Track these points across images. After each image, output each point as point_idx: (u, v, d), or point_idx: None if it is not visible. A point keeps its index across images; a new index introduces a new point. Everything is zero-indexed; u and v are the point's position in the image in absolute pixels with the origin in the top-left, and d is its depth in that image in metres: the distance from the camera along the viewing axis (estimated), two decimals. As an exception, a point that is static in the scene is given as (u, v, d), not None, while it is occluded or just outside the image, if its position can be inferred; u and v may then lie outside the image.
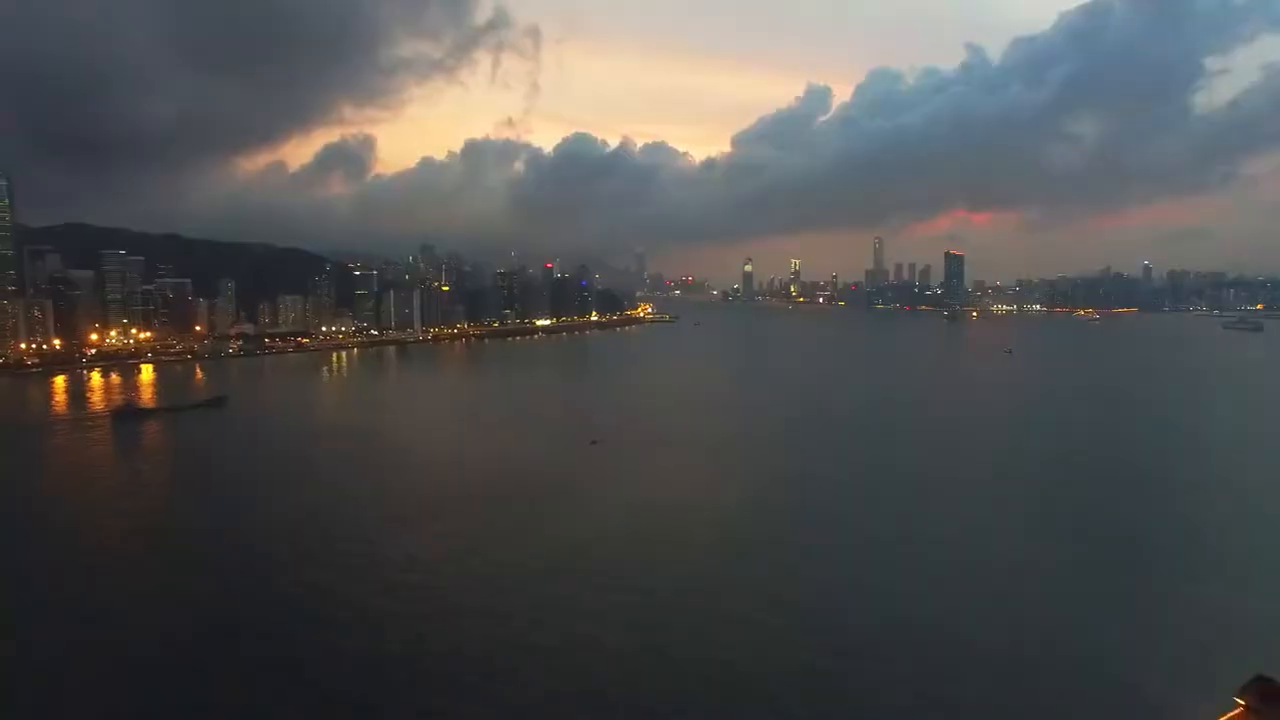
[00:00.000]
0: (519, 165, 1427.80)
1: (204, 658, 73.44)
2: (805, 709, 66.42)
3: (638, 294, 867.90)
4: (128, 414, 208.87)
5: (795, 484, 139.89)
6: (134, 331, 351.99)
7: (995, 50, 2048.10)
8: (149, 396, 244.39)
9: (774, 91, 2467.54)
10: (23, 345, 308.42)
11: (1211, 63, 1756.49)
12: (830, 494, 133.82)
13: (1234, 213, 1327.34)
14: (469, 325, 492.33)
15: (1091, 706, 65.87)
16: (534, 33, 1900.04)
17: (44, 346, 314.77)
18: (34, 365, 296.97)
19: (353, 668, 71.84)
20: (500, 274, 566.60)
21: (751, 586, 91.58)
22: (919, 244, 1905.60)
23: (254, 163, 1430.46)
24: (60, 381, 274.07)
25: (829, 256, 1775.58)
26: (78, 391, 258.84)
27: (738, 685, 69.91)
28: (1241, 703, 46.70)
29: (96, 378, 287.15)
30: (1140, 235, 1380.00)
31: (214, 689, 68.67)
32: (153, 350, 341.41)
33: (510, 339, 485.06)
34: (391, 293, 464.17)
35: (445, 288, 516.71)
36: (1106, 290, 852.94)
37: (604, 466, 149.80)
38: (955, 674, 71.28)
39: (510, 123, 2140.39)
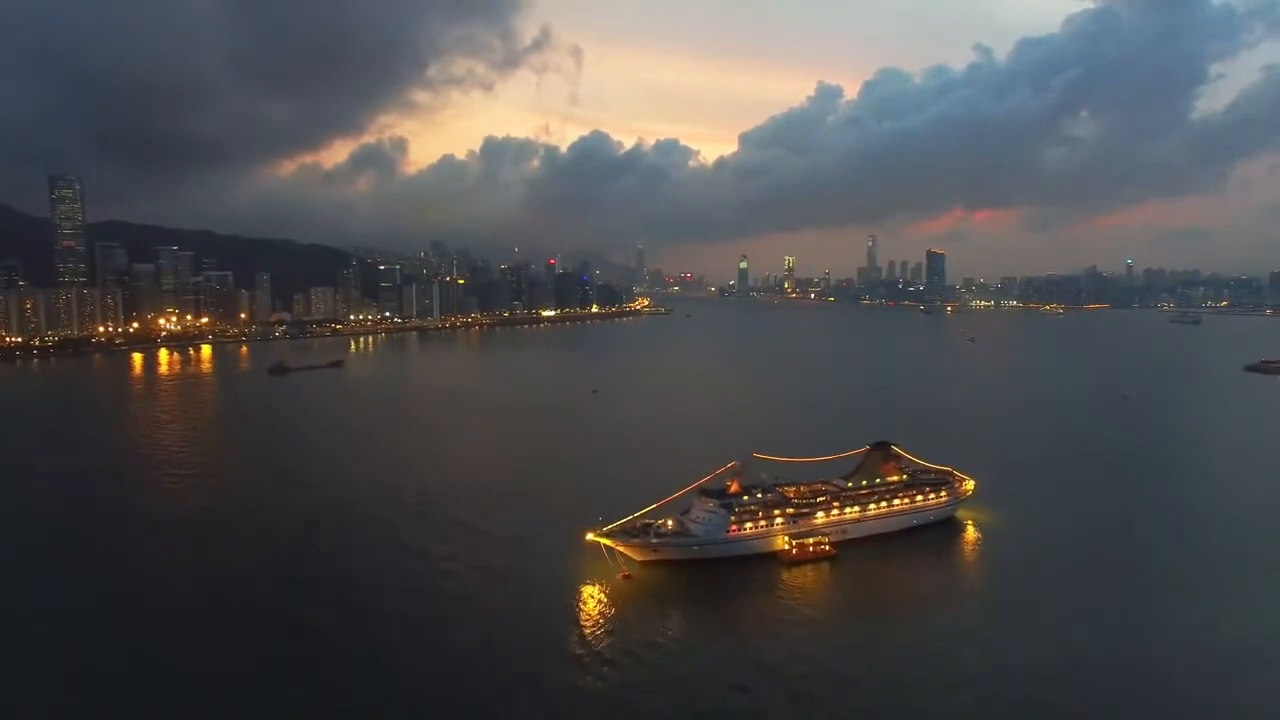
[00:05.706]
0: (535, 163, 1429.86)
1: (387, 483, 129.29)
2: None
3: (636, 289, 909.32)
4: (280, 370, 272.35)
5: (732, 415, 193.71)
6: (189, 318, 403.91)
7: (1003, 49, 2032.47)
8: (283, 360, 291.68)
9: (787, 90, 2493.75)
10: (100, 328, 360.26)
11: (1214, 68, 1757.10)
12: (747, 419, 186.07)
13: (1227, 214, 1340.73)
14: (481, 315, 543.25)
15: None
16: (576, 52, 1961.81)
17: (118, 329, 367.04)
18: (121, 344, 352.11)
19: (455, 492, 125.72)
20: (506, 269, 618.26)
21: (684, 451, 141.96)
22: (917, 242, 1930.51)
23: (294, 164, 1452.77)
24: (140, 357, 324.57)
25: (827, 254, 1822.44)
26: (170, 361, 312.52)
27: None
28: (867, 447, 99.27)
29: (164, 354, 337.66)
30: (1135, 235, 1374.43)
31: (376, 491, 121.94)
32: (211, 333, 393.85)
33: (519, 327, 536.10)
34: (413, 285, 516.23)
35: (461, 280, 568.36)
36: (1083, 288, 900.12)
37: (601, 405, 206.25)
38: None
39: (548, 130, 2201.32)
